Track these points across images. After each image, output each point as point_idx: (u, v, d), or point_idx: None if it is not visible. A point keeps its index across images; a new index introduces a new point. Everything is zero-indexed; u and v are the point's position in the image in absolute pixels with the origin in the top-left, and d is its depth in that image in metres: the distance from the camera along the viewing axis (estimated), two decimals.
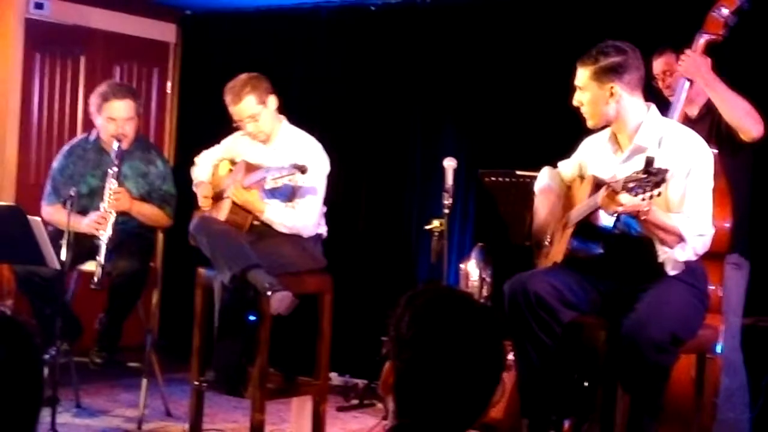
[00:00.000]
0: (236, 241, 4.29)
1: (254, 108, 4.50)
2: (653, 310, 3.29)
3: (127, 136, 4.82)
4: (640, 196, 3.13)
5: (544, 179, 3.85)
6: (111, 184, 4.68)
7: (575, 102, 3.59)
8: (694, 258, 3.39)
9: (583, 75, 3.53)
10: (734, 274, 4.08)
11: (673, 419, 3.53)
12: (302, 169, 4.24)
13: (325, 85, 6.30)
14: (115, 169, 4.71)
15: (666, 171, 3.16)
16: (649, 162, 3.15)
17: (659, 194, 3.19)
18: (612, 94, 3.47)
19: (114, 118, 4.79)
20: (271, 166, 4.45)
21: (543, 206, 3.78)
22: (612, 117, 3.52)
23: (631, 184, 3.14)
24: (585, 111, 3.57)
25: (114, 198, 4.65)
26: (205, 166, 4.80)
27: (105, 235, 4.55)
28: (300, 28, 6.37)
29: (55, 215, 4.78)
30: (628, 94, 3.48)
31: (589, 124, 3.60)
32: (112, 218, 4.62)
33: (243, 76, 4.55)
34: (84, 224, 4.66)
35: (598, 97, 3.49)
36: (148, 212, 4.84)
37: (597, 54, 3.49)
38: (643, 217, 3.29)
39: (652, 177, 3.12)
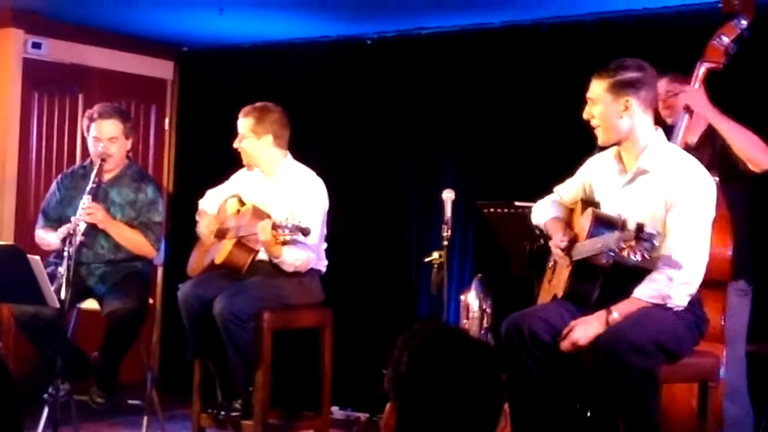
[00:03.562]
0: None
1: (247, 131, 4.65)
2: (635, 322, 3.30)
3: (112, 156, 4.84)
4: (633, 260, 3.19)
5: (549, 212, 3.84)
6: (86, 199, 4.68)
7: (585, 115, 3.57)
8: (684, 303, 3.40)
9: (598, 87, 3.52)
10: (740, 301, 4.06)
11: None
12: (305, 232, 4.25)
13: (323, 119, 6.32)
14: (93, 185, 4.71)
15: (656, 236, 3.20)
16: (640, 228, 3.20)
17: (650, 258, 3.23)
18: (626, 108, 3.46)
19: (99, 137, 4.83)
20: (274, 207, 4.53)
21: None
22: (624, 133, 3.50)
23: (621, 246, 3.21)
24: (596, 125, 3.55)
25: (86, 212, 4.64)
26: (211, 201, 4.85)
27: (68, 249, 4.46)
28: (296, 63, 6.39)
29: (42, 236, 4.83)
30: (642, 111, 3.48)
31: (600, 140, 3.57)
32: (80, 229, 4.56)
33: (268, 103, 4.76)
34: (54, 241, 4.69)
35: (612, 111, 3.48)
36: (130, 237, 4.80)
37: (616, 68, 3.49)
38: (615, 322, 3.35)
39: (644, 243, 3.17)
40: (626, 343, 3.23)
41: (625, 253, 3.22)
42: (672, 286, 3.34)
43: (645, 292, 3.38)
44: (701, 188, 3.44)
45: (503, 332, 3.53)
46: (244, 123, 4.65)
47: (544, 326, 3.47)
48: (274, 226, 4.28)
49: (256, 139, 4.60)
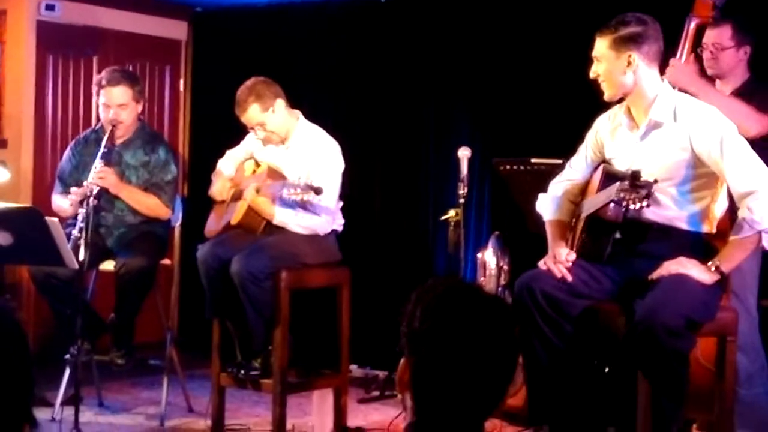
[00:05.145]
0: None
1: (260, 116, 4.54)
2: (666, 295, 3.27)
3: (122, 122, 4.84)
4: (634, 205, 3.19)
5: (548, 211, 3.80)
6: (98, 163, 4.70)
7: (592, 74, 3.56)
8: None
9: (601, 45, 3.51)
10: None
11: (694, 401, 3.52)
12: (317, 191, 4.25)
13: (337, 79, 6.30)
14: (105, 150, 4.72)
15: (652, 184, 3.21)
16: (636, 176, 3.23)
17: (648, 205, 3.23)
18: (629, 64, 3.45)
19: (108, 104, 4.84)
20: (289, 170, 4.51)
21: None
22: (629, 87, 3.50)
23: (620, 196, 3.22)
24: (602, 81, 3.55)
25: (98, 176, 4.66)
26: (229, 162, 4.84)
27: (81, 212, 4.48)
28: (310, 22, 6.37)
29: (59, 203, 4.87)
30: (645, 65, 3.47)
31: (606, 95, 3.56)
32: (93, 193, 4.55)
33: (248, 84, 4.58)
34: (68, 205, 4.73)
35: (615, 67, 3.47)
36: (143, 200, 4.83)
37: (616, 24, 3.48)
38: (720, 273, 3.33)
39: (640, 190, 3.19)
40: (661, 326, 3.21)
41: (625, 204, 3.24)
42: (755, 212, 3.31)
43: (736, 232, 3.35)
44: (726, 123, 3.44)
45: (515, 293, 3.52)
46: (252, 111, 4.53)
47: (558, 284, 3.46)
48: (259, 190, 4.39)
49: (272, 113, 4.57)
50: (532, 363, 3.55)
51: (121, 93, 4.84)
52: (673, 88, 3.84)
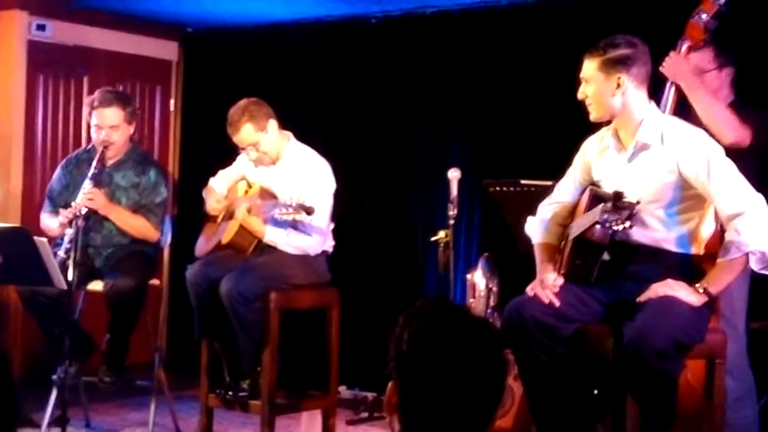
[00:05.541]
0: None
1: (253, 136, 4.55)
2: (655, 318, 3.27)
3: (114, 143, 4.85)
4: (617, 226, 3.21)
5: (537, 233, 3.80)
6: (87, 184, 4.69)
7: (580, 95, 3.57)
8: None
9: (590, 67, 3.52)
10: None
11: (683, 424, 3.51)
12: (308, 211, 4.26)
13: (328, 99, 6.31)
14: (95, 170, 4.73)
15: (635, 205, 3.23)
16: (618, 196, 3.25)
17: (631, 226, 3.24)
18: (618, 86, 3.46)
19: (100, 125, 4.84)
20: (280, 191, 4.51)
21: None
22: (617, 110, 3.51)
23: (603, 217, 3.23)
24: (590, 103, 3.56)
25: (87, 197, 4.65)
26: (221, 181, 4.85)
27: (68, 233, 4.49)
28: (301, 42, 6.38)
29: (47, 222, 4.87)
30: (634, 87, 3.48)
31: (593, 116, 3.57)
32: (82, 214, 4.56)
33: (241, 104, 4.58)
34: (56, 225, 4.72)
35: (604, 89, 3.48)
36: (131, 222, 4.83)
37: (606, 46, 3.49)
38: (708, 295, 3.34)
39: (622, 211, 3.21)
40: (650, 349, 3.20)
41: (609, 224, 3.26)
42: (742, 233, 3.31)
43: (724, 254, 3.35)
44: (713, 146, 3.45)
45: (505, 320, 3.52)
46: (246, 130, 4.53)
47: (547, 310, 3.46)
48: (251, 210, 4.41)
49: (266, 134, 4.57)
50: (533, 390, 3.56)
51: (112, 114, 4.84)
52: (666, 80, 3.87)
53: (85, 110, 4.95)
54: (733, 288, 3.89)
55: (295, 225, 4.43)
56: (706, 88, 4.11)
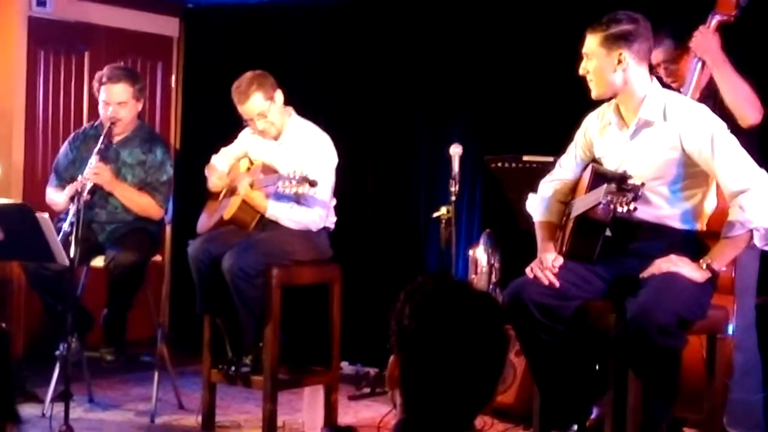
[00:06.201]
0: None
1: (262, 105, 4.53)
2: (658, 294, 3.27)
3: (121, 119, 4.85)
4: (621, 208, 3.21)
5: (537, 211, 3.80)
6: (94, 159, 4.70)
7: (581, 71, 3.55)
8: None
9: (591, 42, 3.50)
10: (748, 253, 4.05)
11: (684, 400, 3.52)
12: (312, 183, 4.26)
13: (329, 75, 6.30)
14: (102, 146, 4.73)
15: (639, 187, 3.23)
16: (623, 178, 3.26)
17: (635, 209, 3.24)
18: (620, 62, 3.44)
19: (108, 101, 4.84)
20: (282, 166, 4.49)
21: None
22: (618, 86, 3.49)
23: (608, 198, 3.24)
24: (591, 79, 3.54)
25: (93, 172, 4.66)
26: (223, 158, 4.84)
27: (72, 208, 4.45)
28: (302, 18, 6.36)
29: (52, 197, 4.89)
30: (636, 63, 3.46)
31: (594, 93, 3.55)
32: (86, 189, 4.56)
33: (248, 75, 4.57)
34: (62, 199, 4.74)
35: (606, 65, 3.46)
36: (136, 199, 4.83)
37: (608, 21, 3.47)
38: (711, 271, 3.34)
39: (627, 193, 3.21)
40: (653, 325, 3.21)
41: (612, 206, 3.25)
42: (746, 210, 3.31)
43: (728, 230, 3.35)
44: (716, 122, 3.44)
45: (505, 303, 3.51)
46: (255, 99, 4.52)
47: (546, 291, 3.46)
48: (253, 184, 4.42)
49: (273, 103, 4.56)
50: (536, 366, 3.57)
51: (121, 90, 4.84)
52: (695, 57, 3.84)
53: (94, 85, 4.94)
54: (744, 263, 3.89)
55: (297, 199, 4.43)
56: (682, 76, 4.08)
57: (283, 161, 4.56)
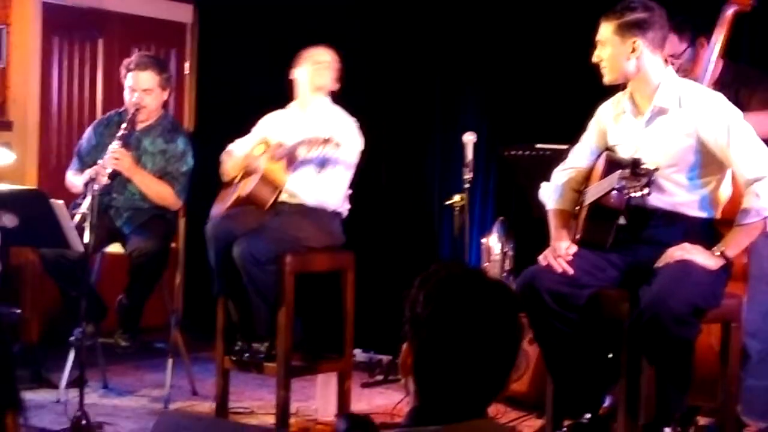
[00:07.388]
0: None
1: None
2: (672, 283, 3.27)
3: (146, 107, 4.87)
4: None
5: (551, 200, 3.79)
6: (115, 144, 4.71)
7: (595, 58, 3.55)
8: None
9: (606, 30, 3.50)
10: (764, 241, 4.03)
11: (698, 388, 3.52)
12: (336, 144, 4.27)
13: (344, 62, 6.26)
14: (124, 132, 4.74)
15: (653, 171, 3.22)
16: (636, 163, 3.26)
17: (649, 193, 3.23)
18: (634, 50, 3.44)
19: (134, 88, 4.88)
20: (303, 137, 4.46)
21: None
22: (631, 74, 3.49)
23: (621, 184, 3.23)
24: (604, 66, 3.53)
25: (113, 157, 4.67)
26: (240, 145, 4.83)
27: (94, 190, 4.43)
28: (317, 5, 6.34)
29: (71, 180, 4.92)
30: (650, 51, 3.46)
31: (606, 79, 3.55)
32: (106, 173, 4.59)
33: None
34: (81, 183, 4.75)
35: (620, 53, 3.46)
36: (154, 187, 4.83)
37: (622, 9, 3.47)
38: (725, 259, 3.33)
39: (641, 178, 3.22)
40: (668, 314, 3.21)
41: (626, 192, 3.25)
42: (762, 197, 3.31)
43: (742, 218, 3.35)
44: (732, 110, 3.43)
45: (518, 291, 3.50)
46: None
47: (560, 279, 3.46)
48: (273, 156, 4.48)
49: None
50: (549, 354, 3.57)
51: (147, 78, 4.87)
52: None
53: (122, 71, 4.96)
54: (759, 251, 3.87)
55: (323, 162, 4.41)
56: (693, 67, 4.04)
57: (307, 129, 4.53)
